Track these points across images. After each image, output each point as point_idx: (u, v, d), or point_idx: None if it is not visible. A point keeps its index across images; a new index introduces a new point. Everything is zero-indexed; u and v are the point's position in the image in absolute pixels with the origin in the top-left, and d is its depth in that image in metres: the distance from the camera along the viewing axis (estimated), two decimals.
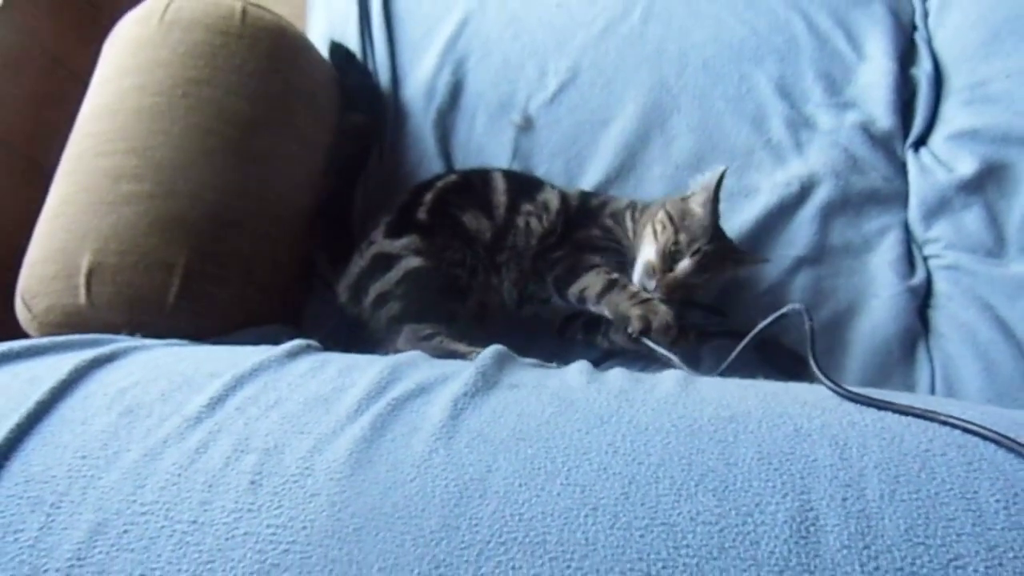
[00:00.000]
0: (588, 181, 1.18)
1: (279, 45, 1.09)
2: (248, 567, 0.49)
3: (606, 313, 0.97)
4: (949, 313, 1.05)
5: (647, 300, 0.94)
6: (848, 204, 1.13)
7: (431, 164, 1.20)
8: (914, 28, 1.26)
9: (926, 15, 1.26)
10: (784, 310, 0.76)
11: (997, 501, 0.50)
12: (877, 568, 0.46)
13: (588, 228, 1.06)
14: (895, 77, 1.18)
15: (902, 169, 1.15)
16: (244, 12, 1.07)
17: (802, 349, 0.71)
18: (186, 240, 0.93)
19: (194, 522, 0.51)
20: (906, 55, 1.22)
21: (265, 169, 1.03)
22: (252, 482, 0.53)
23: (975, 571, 0.46)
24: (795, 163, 1.15)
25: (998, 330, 1.00)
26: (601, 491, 0.51)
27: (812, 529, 0.48)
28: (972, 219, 1.08)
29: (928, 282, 1.08)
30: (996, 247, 1.07)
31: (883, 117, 1.16)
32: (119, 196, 0.93)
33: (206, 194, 0.96)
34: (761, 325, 0.78)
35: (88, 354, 0.68)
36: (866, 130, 1.16)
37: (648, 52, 1.24)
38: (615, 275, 0.99)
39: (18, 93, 1.16)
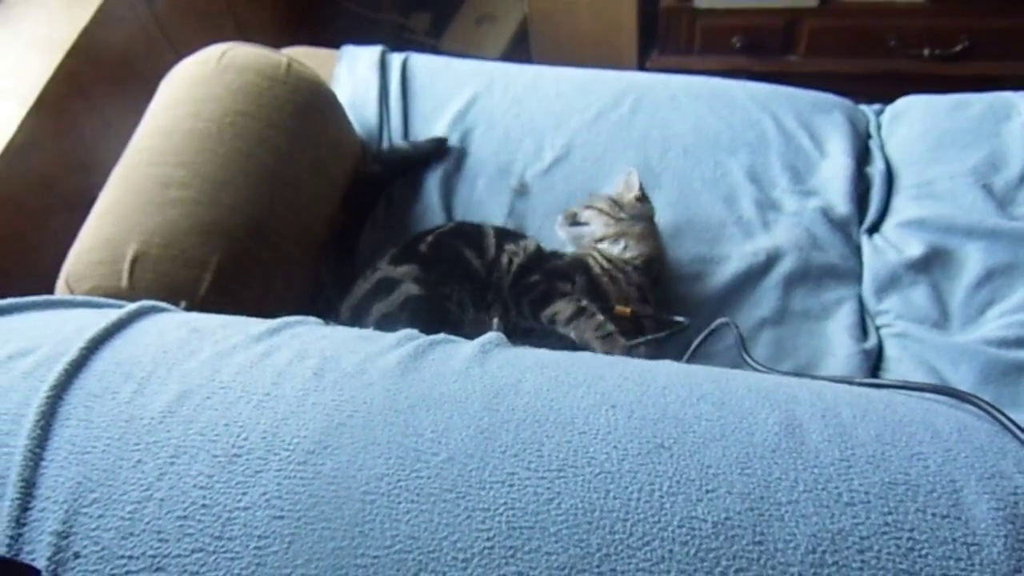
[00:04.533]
0: None
1: (315, 95, 1.24)
2: (318, 425, 0.56)
3: (573, 337, 1.07)
4: (898, 375, 1.16)
5: (610, 334, 1.06)
6: (808, 276, 1.25)
7: (433, 216, 1.32)
8: (868, 136, 1.43)
9: (879, 126, 1.44)
10: (717, 322, 1.03)
11: (950, 425, 0.59)
12: (853, 455, 0.54)
13: (561, 258, 1.19)
14: (852, 172, 1.34)
15: (857, 250, 1.29)
16: (289, 65, 1.22)
17: None
18: (221, 243, 1.04)
19: (267, 394, 0.59)
20: (862, 156, 1.39)
21: (293, 195, 1.15)
22: (315, 374, 0.62)
23: (933, 462, 0.54)
24: (762, 238, 1.29)
25: None
26: (617, 397, 0.59)
27: (798, 431, 0.57)
28: (919, 295, 1.21)
29: (879, 347, 1.19)
30: (941, 319, 1.19)
31: (841, 204, 1.31)
32: (167, 199, 1.04)
33: (242, 207, 1.07)
34: (702, 336, 1.03)
35: (143, 302, 0.76)
36: (826, 214, 1.30)
37: (635, 137, 1.39)
38: (584, 303, 1.10)
39: None
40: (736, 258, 1.26)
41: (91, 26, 1.33)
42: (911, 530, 0.50)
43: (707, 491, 0.52)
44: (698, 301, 1.23)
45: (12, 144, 1.17)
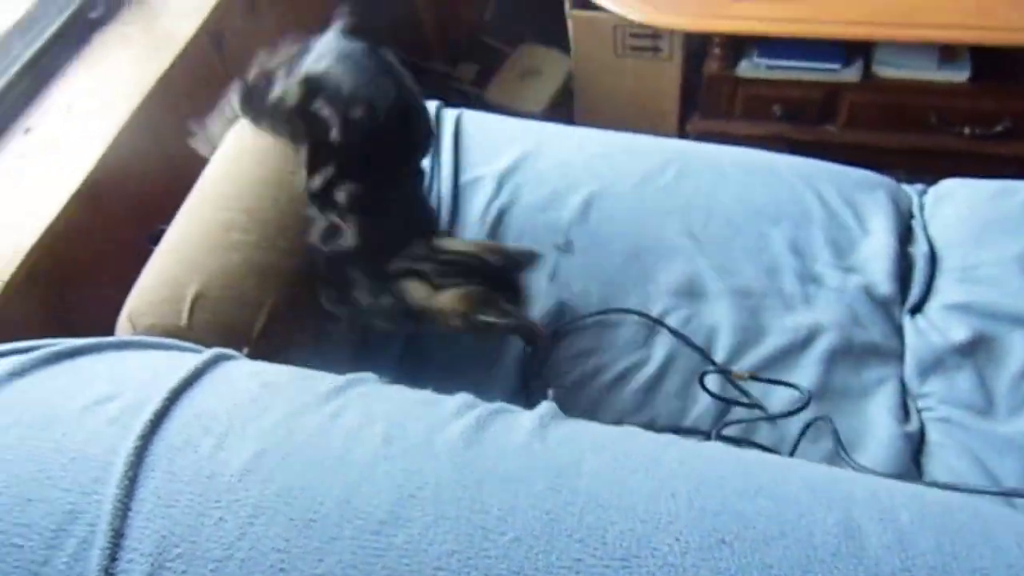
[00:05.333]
0: (618, 300, 1.30)
1: None
2: (390, 495, 0.58)
3: None
4: (941, 461, 1.15)
5: None
6: (850, 353, 1.25)
7: None
8: (911, 216, 1.44)
9: (922, 207, 1.45)
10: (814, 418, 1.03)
11: (1011, 536, 0.59)
12: (914, 565, 0.54)
13: None
14: (894, 251, 1.35)
15: (899, 329, 1.29)
16: None
17: None
18: (275, 286, 1.08)
19: (340, 459, 0.61)
20: (904, 235, 1.39)
21: None
22: (384, 440, 0.63)
23: None
24: (803, 312, 1.29)
25: (988, 481, 1.10)
26: (676, 485, 0.60)
27: (856, 534, 0.57)
28: (964, 380, 1.21)
29: (922, 431, 1.19)
30: (986, 406, 1.19)
31: (883, 283, 1.32)
32: (228, 243, 1.08)
33: (298, 252, 1.11)
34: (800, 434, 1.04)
35: (215, 350, 0.77)
36: (868, 292, 1.31)
37: (679, 203, 1.41)
38: None
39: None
40: (776, 332, 1.27)
41: (170, 70, 1.39)
42: None
43: None
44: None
45: (88, 180, 1.23)
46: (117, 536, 0.56)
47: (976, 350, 1.22)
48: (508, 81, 2.29)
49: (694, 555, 0.54)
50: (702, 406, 1.19)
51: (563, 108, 2.21)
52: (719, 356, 1.24)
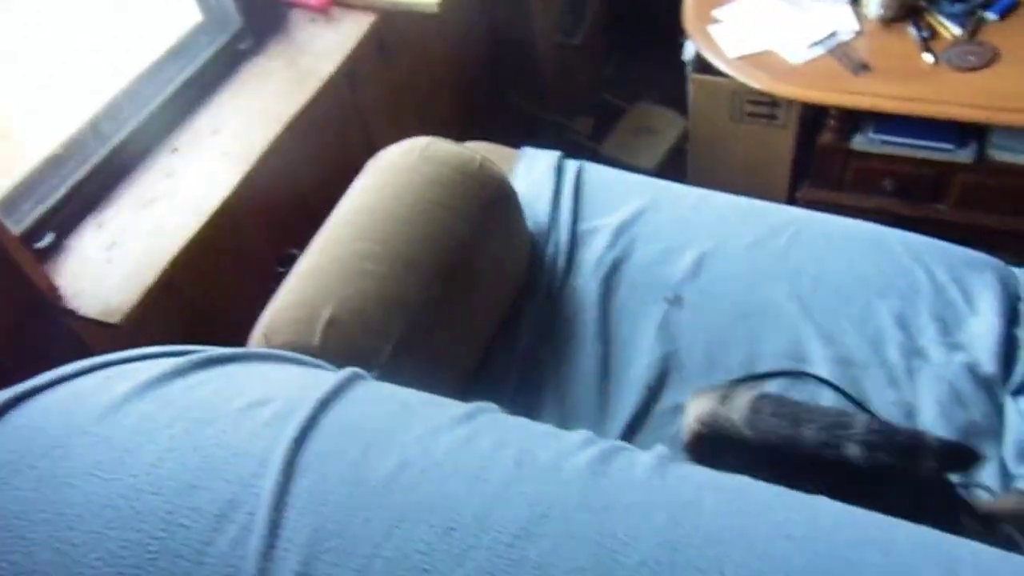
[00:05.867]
0: (723, 362, 1.36)
1: (500, 192, 1.36)
2: (522, 512, 0.64)
3: None
4: None
5: None
6: (948, 431, 1.27)
7: (586, 315, 1.41)
8: (1019, 298, 1.46)
9: None
10: None
11: None
12: None
13: None
14: (1000, 333, 1.36)
15: (1000, 409, 1.31)
16: (481, 163, 1.35)
17: None
18: (403, 317, 1.15)
19: (476, 477, 0.67)
20: (1011, 317, 1.41)
21: (470, 282, 1.26)
22: (516, 463, 0.69)
23: None
24: (905, 386, 1.32)
25: None
26: (790, 529, 0.65)
27: None
28: None
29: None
30: None
31: (987, 363, 1.33)
32: (362, 271, 1.16)
33: (426, 287, 1.19)
34: None
35: (352, 369, 0.86)
36: (971, 371, 1.33)
37: (788, 269, 1.46)
38: None
39: None
40: (876, 404, 1.30)
41: (309, 104, 1.50)
42: None
43: None
44: None
45: (227, 200, 1.34)
46: (274, 527, 0.63)
47: None
48: (623, 136, 2.38)
49: None
50: None
51: (675, 167, 2.28)
52: None
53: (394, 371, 1.13)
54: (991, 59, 1.74)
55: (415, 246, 1.22)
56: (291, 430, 0.71)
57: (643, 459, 0.76)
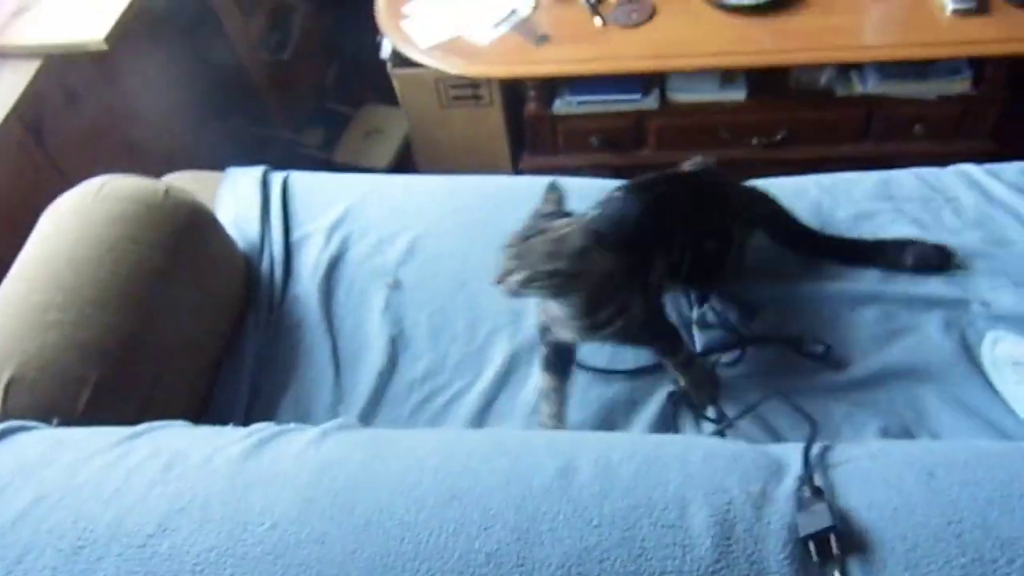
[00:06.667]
0: (448, 330, 1.42)
1: (192, 216, 1.35)
2: (160, 511, 0.66)
3: None
4: None
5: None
6: None
7: (312, 317, 1.43)
8: None
9: None
10: None
11: (699, 453, 0.73)
12: (611, 487, 0.67)
13: None
14: None
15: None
16: (166, 191, 1.33)
17: None
18: (98, 360, 1.12)
19: (117, 490, 0.69)
20: None
21: (173, 311, 1.25)
22: (164, 468, 0.72)
23: (673, 485, 0.68)
24: None
25: None
26: (427, 460, 0.71)
27: (571, 472, 0.68)
28: None
29: None
30: None
31: None
32: (45, 323, 1.12)
33: (121, 326, 1.17)
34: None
35: (7, 423, 0.85)
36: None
37: (495, 232, 1.54)
38: None
39: None
40: None
41: None
42: (643, 540, 0.63)
43: (484, 529, 0.64)
44: None
45: None
46: None
47: None
48: (354, 141, 2.41)
49: (427, 512, 0.66)
50: None
51: (407, 161, 2.35)
52: None
53: (99, 418, 1.10)
54: (650, 14, 1.93)
55: (102, 286, 1.19)
56: None
57: (305, 435, 0.80)
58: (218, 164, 1.72)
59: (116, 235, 1.23)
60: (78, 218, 1.24)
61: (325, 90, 2.60)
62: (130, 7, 1.58)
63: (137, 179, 1.33)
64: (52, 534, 0.65)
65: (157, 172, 1.41)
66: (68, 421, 1.05)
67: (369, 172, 2.27)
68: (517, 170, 2.22)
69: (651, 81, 2.02)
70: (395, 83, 2.10)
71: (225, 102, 2.30)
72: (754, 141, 2.05)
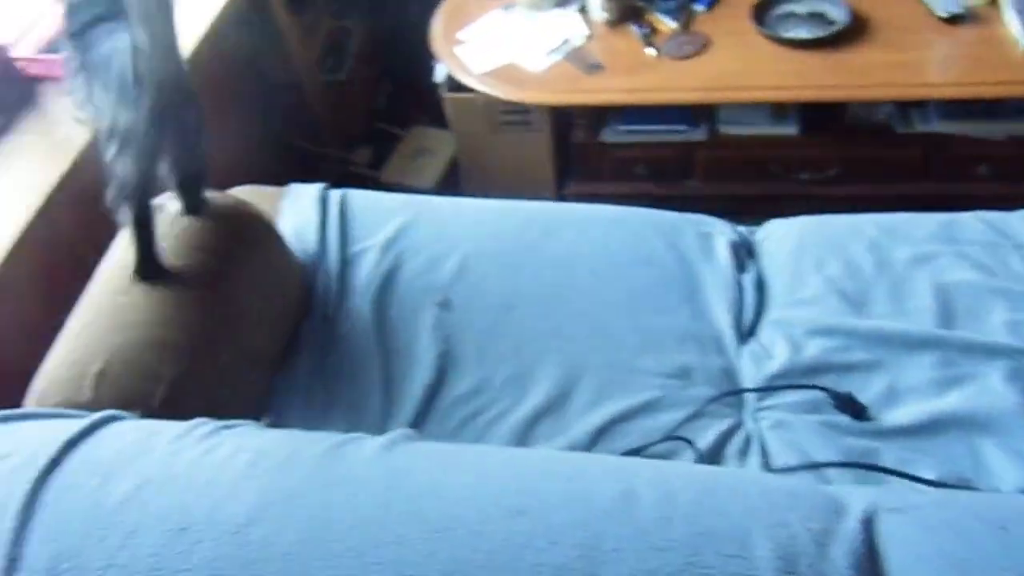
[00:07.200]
0: (495, 351, 1.46)
1: (261, 230, 1.44)
2: (250, 502, 0.71)
3: None
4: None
5: None
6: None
7: (365, 330, 1.48)
8: (748, 253, 1.64)
9: (753, 244, 1.65)
10: None
11: (756, 487, 0.75)
12: (675, 513, 0.70)
13: None
14: (732, 286, 1.54)
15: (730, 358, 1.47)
16: (235, 204, 1.42)
17: None
18: (172, 359, 1.19)
19: (209, 482, 0.74)
20: (740, 269, 1.59)
21: (236, 316, 1.32)
22: (249, 464, 0.77)
23: (735, 516, 0.70)
24: (660, 350, 1.46)
25: None
26: (492, 475, 0.75)
27: (632, 497, 0.72)
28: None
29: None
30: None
31: (722, 318, 1.50)
32: (127, 322, 1.20)
33: (194, 328, 1.24)
34: None
35: (104, 412, 0.90)
36: (712, 329, 1.49)
37: (544, 258, 1.58)
38: None
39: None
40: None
41: (68, 173, 1.50)
42: (707, 568, 0.66)
43: (551, 543, 0.67)
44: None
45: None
46: (12, 562, 0.69)
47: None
48: (401, 161, 2.47)
49: (495, 524, 0.69)
50: None
51: (454, 181, 2.40)
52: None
53: (171, 413, 1.15)
54: (704, 46, 1.96)
55: (176, 289, 1.26)
56: (32, 473, 0.76)
57: (377, 441, 0.84)
58: (271, 177, 1.77)
59: (192, 244, 1.30)
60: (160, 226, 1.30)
61: (376, 110, 2.66)
62: (208, 33, 1.65)
63: (211, 193, 1.39)
64: (156, 516, 0.71)
65: (216, 184, 1.47)
66: (147, 415, 1.10)
67: (416, 191, 2.33)
68: (560, 195, 2.26)
69: (701, 113, 2.06)
70: (446, 106, 2.15)
71: (283, 120, 2.36)
72: (805, 176, 2.07)
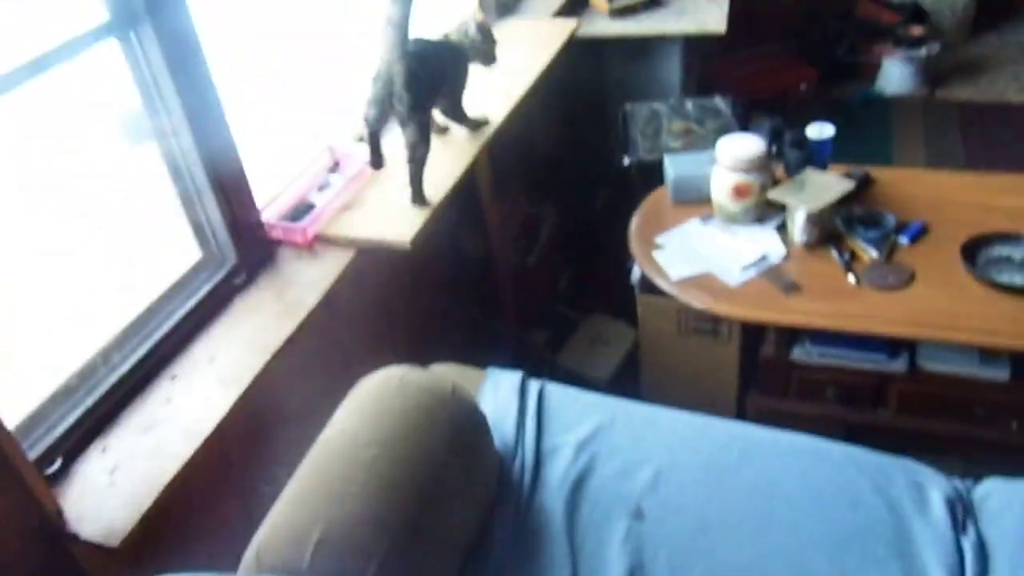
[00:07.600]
0: (684, 570, 1.40)
1: (470, 416, 1.48)
2: None
3: None
4: None
5: None
6: None
7: (556, 528, 1.45)
8: (964, 510, 1.53)
9: (971, 501, 1.55)
10: None
11: None
12: None
13: None
14: (950, 542, 1.43)
15: None
16: (453, 389, 1.46)
17: None
18: (386, 536, 1.22)
19: None
20: (956, 529, 1.48)
21: (447, 500, 1.34)
22: None
23: None
24: None
25: None
26: None
27: None
28: None
29: None
30: None
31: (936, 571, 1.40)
32: (346, 493, 1.24)
33: (406, 507, 1.27)
34: None
35: None
36: None
37: (741, 484, 1.54)
38: None
39: None
40: None
41: (296, 332, 1.59)
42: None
43: None
44: None
45: (219, 427, 1.39)
46: None
47: None
48: (578, 347, 2.51)
49: None
50: None
51: (628, 375, 2.40)
52: None
53: None
54: (908, 280, 1.93)
55: (393, 468, 1.30)
56: None
57: None
58: (451, 346, 1.83)
59: (409, 424, 1.36)
60: (381, 403, 1.39)
61: (556, 294, 2.74)
62: (431, 218, 1.77)
63: (429, 375, 1.47)
64: None
65: (405, 343, 1.52)
66: None
67: (590, 380, 2.34)
68: (741, 407, 2.22)
69: (901, 344, 2.00)
70: (639, 307, 2.20)
71: (471, 294, 2.47)
72: (1014, 426, 1.95)
